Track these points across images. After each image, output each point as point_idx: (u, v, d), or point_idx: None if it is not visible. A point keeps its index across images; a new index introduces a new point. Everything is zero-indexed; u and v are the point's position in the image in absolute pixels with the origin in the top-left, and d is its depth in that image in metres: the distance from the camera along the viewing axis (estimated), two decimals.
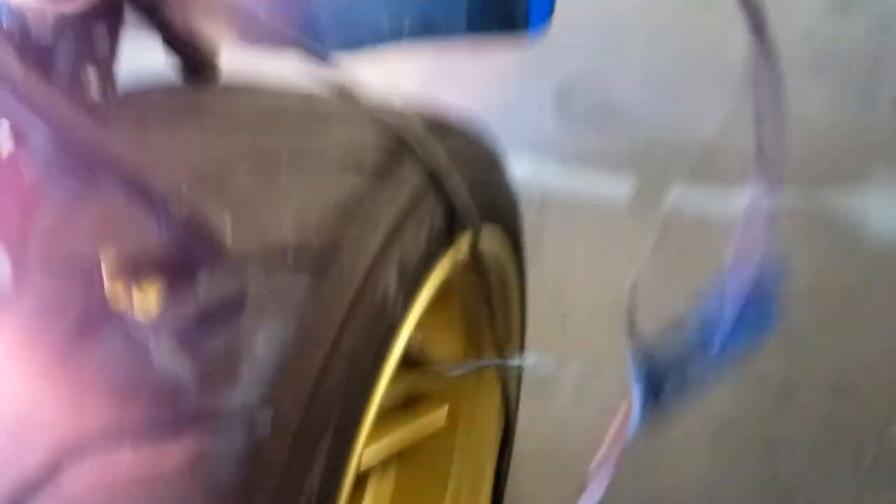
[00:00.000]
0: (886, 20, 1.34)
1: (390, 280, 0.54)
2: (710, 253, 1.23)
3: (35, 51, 0.51)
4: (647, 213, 1.25)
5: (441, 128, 0.72)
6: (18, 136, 0.48)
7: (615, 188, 1.28)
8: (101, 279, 0.47)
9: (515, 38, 0.82)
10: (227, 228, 0.48)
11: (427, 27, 0.79)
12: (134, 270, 0.48)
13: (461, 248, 0.68)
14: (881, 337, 1.10)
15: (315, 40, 0.79)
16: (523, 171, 1.34)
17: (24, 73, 0.40)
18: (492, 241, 0.75)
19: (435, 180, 0.62)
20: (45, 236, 0.49)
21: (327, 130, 0.62)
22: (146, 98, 0.63)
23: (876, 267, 1.15)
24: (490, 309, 0.79)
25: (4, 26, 0.50)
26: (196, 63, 0.68)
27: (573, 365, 1.09)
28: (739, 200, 1.23)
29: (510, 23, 0.80)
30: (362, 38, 0.81)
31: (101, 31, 0.55)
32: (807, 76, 1.31)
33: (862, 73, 1.30)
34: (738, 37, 1.34)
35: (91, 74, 0.53)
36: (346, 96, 0.63)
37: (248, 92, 0.67)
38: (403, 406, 0.83)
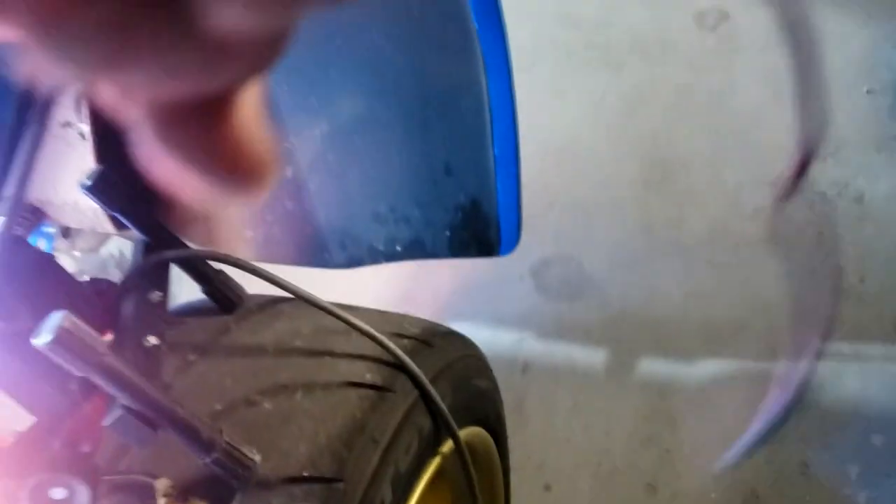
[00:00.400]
0: (833, 199, 1.50)
1: (386, 492, 0.66)
2: (680, 418, 1.35)
3: (105, 313, 0.65)
4: (620, 380, 1.38)
5: (429, 336, 0.85)
6: (93, 388, 0.61)
7: (590, 357, 1.41)
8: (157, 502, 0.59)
9: (489, 256, 0.97)
10: (256, 460, 0.60)
11: (416, 251, 0.94)
12: (183, 494, 0.60)
13: (447, 447, 0.79)
14: None
15: (321, 258, 0.94)
16: (506, 341, 1.47)
17: (104, 346, 0.53)
18: (476, 436, 0.87)
19: (425, 392, 0.75)
20: (113, 467, 0.61)
21: (334, 348, 0.75)
22: (186, 331, 0.76)
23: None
24: (474, 492, 0.90)
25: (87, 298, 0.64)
26: (226, 297, 0.82)
27: None
28: (703, 367, 1.36)
29: (485, 248, 0.94)
30: (362, 257, 0.95)
31: (156, 292, 0.69)
32: (755, 250, 1.46)
33: (807, 249, 1.45)
34: (695, 213, 1.50)
35: (150, 334, 0.66)
36: (346, 312, 0.77)
37: (266, 321, 0.81)
38: None
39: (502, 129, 0.97)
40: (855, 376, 1.29)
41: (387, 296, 1.53)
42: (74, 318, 0.53)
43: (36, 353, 0.52)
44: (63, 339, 0.51)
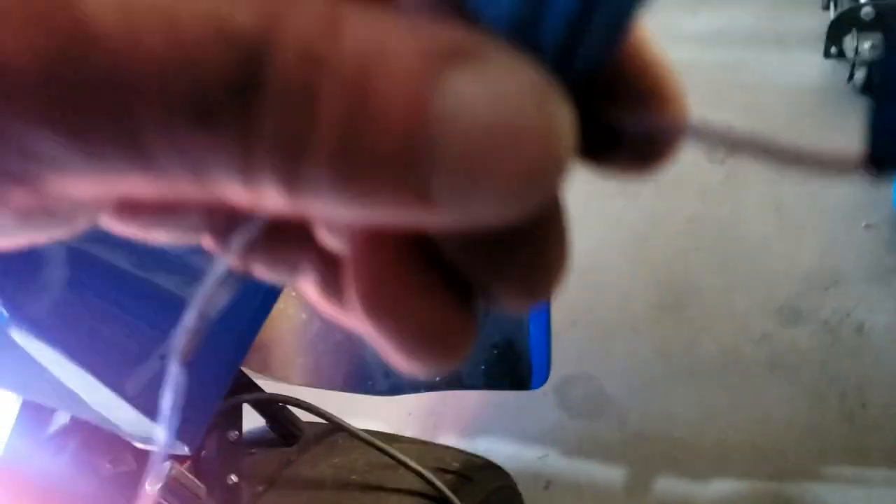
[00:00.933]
0: (834, 329, 1.60)
1: None
2: None
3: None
4: (638, 498, 1.46)
5: (469, 470, 0.96)
6: None
7: (610, 474, 1.49)
8: None
9: (520, 389, 1.08)
10: None
11: (453, 383, 1.05)
12: None
13: None
14: None
15: (366, 386, 1.05)
16: (530, 457, 1.56)
17: (203, 492, 0.64)
18: None
19: None
20: None
21: (385, 483, 0.86)
22: (255, 463, 0.87)
23: None
24: None
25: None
26: (288, 431, 0.93)
27: None
28: (716, 486, 1.44)
29: (517, 382, 1.05)
30: (403, 386, 1.06)
31: (233, 431, 0.80)
32: (763, 375, 1.56)
33: (813, 376, 1.55)
34: (706, 337, 1.60)
35: (231, 472, 0.77)
36: (394, 445, 0.87)
37: (324, 454, 0.91)
38: None
39: None
40: (860, 500, 1.37)
41: (416, 408, 1.62)
42: (179, 466, 0.63)
43: (142, 496, 0.62)
44: (172, 486, 0.62)
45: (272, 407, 0.90)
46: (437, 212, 0.14)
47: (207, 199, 0.15)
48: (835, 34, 1.98)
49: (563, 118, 0.14)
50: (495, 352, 1.08)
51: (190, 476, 0.63)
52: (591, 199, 1.82)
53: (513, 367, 1.06)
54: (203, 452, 0.78)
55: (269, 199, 0.14)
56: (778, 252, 1.74)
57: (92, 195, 0.15)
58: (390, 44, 0.13)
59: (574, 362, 1.65)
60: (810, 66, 2.09)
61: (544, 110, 0.13)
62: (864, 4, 1.90)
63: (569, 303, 1.69)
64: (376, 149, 0.13)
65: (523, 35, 0.14)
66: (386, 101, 0.13)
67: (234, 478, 0.77)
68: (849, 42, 1.94)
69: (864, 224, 1.74)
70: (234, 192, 0.14)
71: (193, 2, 0.13)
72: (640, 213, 1.85)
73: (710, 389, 1.58)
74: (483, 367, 1.07)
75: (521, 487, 1.13)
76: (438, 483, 0.84)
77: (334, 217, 0.15)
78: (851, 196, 1.79)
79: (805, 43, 2.13)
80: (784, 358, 1.58)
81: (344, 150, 0.13)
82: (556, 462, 1.53)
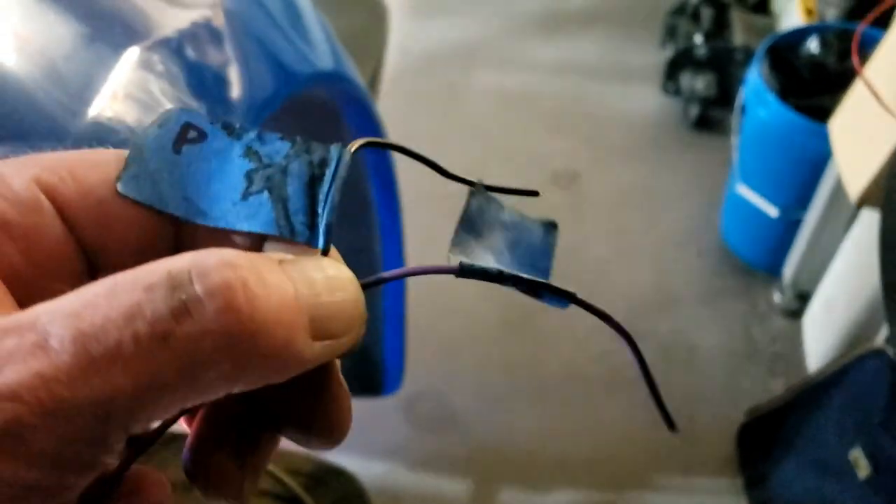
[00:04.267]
0: (668, 348, 1.70)
1: None
2: None
3: None
4: None
5: (322, 473, 0.95)
6: None
7: (456, 487, 1.52)
8: None
9: (374, 396, 1.09)
10: None
11: None
12: None
13: None
14: None
15: None
16: (377, 471, 1.57)
17: None
18: None
19: None
20: None
21: None
22: None
23: None
24: None
25: None
26: None
27: None
28: (556, 497, 1.50)
29: (371, 388, 1.06)
30: None
31: None
32: (602, 391, 1.63)
33: (646, 391, 1.63)
34: (549, 354, 1.65)
35: None
36: None
37: (171, 459, 0.89)
38: None
39: (393, 287, 1.11)
40: None
41: None
42: None
43: None
44: None
45: None
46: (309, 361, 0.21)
47: None
48: (671, 71, 2.12)
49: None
50: (350, 358, 1.09)
51: None
52: (444, 220, 1.85)
53: (368, 374, 1.07)
54: None
55: None
56: (616, 275, 1.84)
57: None
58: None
59: (423, 379, 1.67)
60: (648, 100, 2.23)
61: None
62: (698, 45, 2.05)
63: (418, 321, 1.71)
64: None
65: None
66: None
67: None
68: (684, 79, 2.08)
69: (695, 250, 1.86)
70: None
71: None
72: None
73: (552, 404, 1.64)
74: None
75: None
76: (293, 485, 0.83)
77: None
78: (685, 224, 1.91)
79: (644, 78, 2.27)
80: (621, 375, 1.66)
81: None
82: (403, 476, 1.55)
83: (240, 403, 0.24)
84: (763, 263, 1.76)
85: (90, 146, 0.44)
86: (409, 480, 1.54)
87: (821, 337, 1.50)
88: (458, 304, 1.78)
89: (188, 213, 0.23)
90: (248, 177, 0.23)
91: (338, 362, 0.25)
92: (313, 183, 0.24)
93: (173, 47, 0.52)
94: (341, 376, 0.25)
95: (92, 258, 0.23)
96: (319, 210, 0.23)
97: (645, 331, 1.71)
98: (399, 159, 1.09)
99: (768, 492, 1.37)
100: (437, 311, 1.74)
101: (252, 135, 0.24)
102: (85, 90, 0.41)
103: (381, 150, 0.89)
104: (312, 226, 0.23)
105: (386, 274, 0.25)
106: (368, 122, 0.81)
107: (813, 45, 1.56)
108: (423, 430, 1.61)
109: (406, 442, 1.60)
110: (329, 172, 0.24)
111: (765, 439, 1.42)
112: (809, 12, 1.75)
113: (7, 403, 0.17)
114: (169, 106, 0.53)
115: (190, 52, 0.53)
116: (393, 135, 0.91)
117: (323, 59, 0.65)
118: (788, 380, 1.61)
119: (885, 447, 1.13)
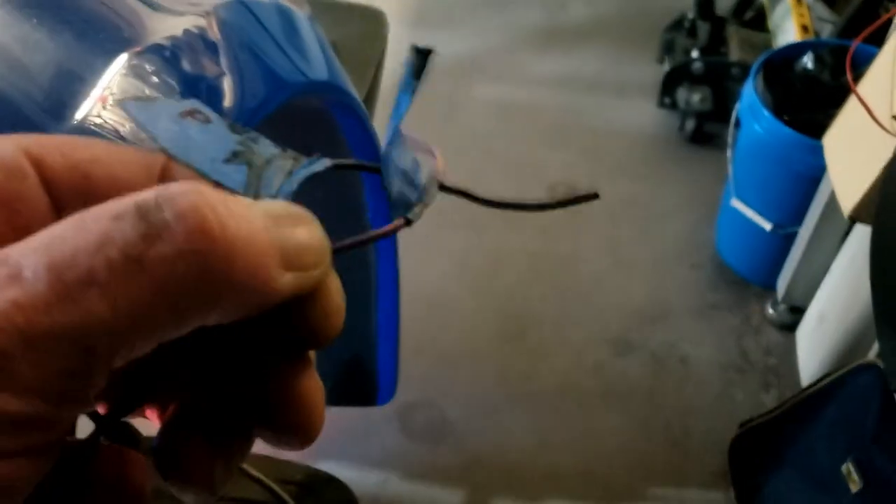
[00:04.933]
0: (661, 360, 1.70)
1: None
2: None
3: None
4: None
5: (312, 481, 0.96)
6: None
7: (449, 498, 1.52)
8: None
9: (367, 405, 1.09)
10: None
11: None
12: None
13: None
14: None
15: None
16: (371, 481, 1.57)
17: None
18: None
19: None
20: None
21: (230, 493, 0.84)
22: None
23: None
24: None
25: None
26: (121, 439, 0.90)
27: None
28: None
29: (364, 398, 1.07)
30: None
31: None
32: (596, 403, 1.64)
33: (641, 404, 1.64)
34: (544, 367, 1.66)
35: None
36: None
37: None
38: None
39: (387, 297, 1.11)
40: None
41: None
42: None
43: None
44: None
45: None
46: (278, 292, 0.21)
47: None
48: (668, 86, 2.13)
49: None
50: (343, 368, 1.09)
51: None
52: (441, 232, 1.86)
53: (361, 384, 1.08)
54: None
55: None
56: (612, 287, 1.84)
57: None
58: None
59: (418, 389, 1.68)
60: (645, 114, 2.24)
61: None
62: (694, 60, 2.06)
63: (414, 332, 1.72)
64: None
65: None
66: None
67: None
68: (680, 94, 2.09)
69: (690, 263, 1.86)
70: None
71: None
72: (486, 246, 1.91)
73: (546, 416, 1.64)
74: (330, 383, 1.08)
75: None
76: (282, 493, 0.84)
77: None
78: (679, 237, 1.92)
79: (641, 92, 2.28)
80: (615, 387, 1.66)
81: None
82: (397, 486, 1.55)
83: (212, 400, 0.24)
84: (757, 277, 1.76)
85: None
86: (402, 490, 1.54)
87: (814, 350, 1.51)
88: (454, 315, 1.79)
89: (176, 152, 0.24)
90: (234, 153, 0.25)
91: (312, 355, 0.25)
92: (290, 174, 0.25)
93: (166, 56, 0.52)
94: (314, 370, 0.25)
95: None
96: (289, 189, 0.25)
97: (639, 343, 1.72)
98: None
99: None
100: (432, 322, 1.74)
101: (251, 133, 0.26)
102: (69, 94, 0.41)
103: (374, 153, 0.90)
104: (278, 194, 0.25)
105: (348, 240, 0.26)
106: (363, 132, 0.82)
107: (808, 61, 1.57)
108: (416, 441, 1.61)
109: (399, 452, 1.60)
110: (306, 162, 0.26)
111: (757, 452, 1.42)
112: (805, 29, 1.76)
113: None
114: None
115: (184, 61, 0.54)
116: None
117: (317, 69, 0.66)
118: (781, 393, 1.61)
119: (877, 461, 1.13)
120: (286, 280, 0.21)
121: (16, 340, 0.17)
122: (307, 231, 0.22)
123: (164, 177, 0.24)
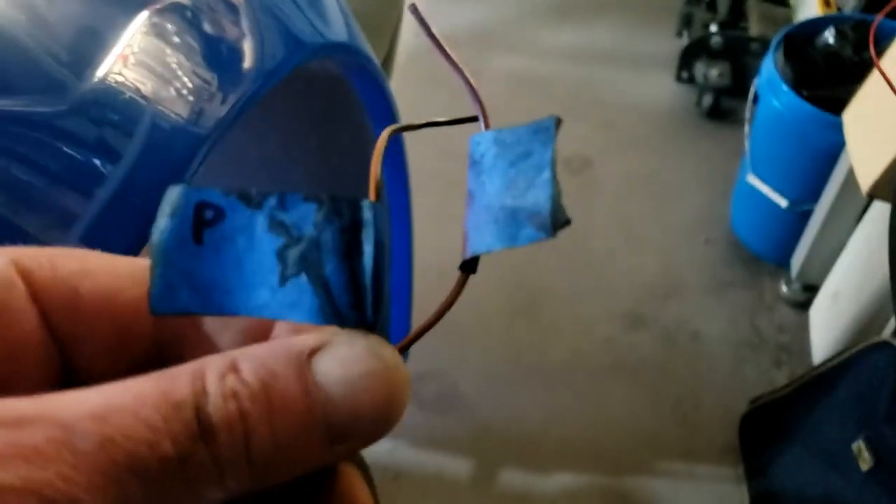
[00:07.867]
0: (673, 336, 1.70)
1: None
2: None
3: None
4: (483, 490, 1.50)
5: None
6: None
7: (458, 467, 1.53)
8: None
9: None
10: None
11: None
12: None
13: None
14: None
15: None
16: (381, 448, 1.58)
17: None
18: None
19: None
20: None
21: None
22: None
23: None
24: None
25: None
26: None
27: None
28: (557, 480, 1.50)
29: None
30: None
31: None
32: (606, 377, 1.64)
33: (651, 379, 1.64)
34: (555, 340, 1.66)
35: None
36: None
37: None
38: None
39: (401, 266, 1.11)
40: (688, 494, 1.47)
41: None
42: None
43: None
44: None
45: None
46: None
47: None
48: (686, 60, 2.11)
49: (397, 362, 0.21)
50: None
51: None
52: (454, 202, 1.86)
53: None
54: None
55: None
56: (624, 262, 1.84)
57: None
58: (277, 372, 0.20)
59: (429, 360, 1.68)
60: (662, 88, 2.22)
61: (381, 362, 0.21)
62: (713, 34, 2.04)
63: (427, 304, 1.72)
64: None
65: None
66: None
67: None
68: (698, 68, 2.07)
69: (703, 239, 1.86)
70: None
71: None
72: None
73: (556, 389, 1.64)
74: None
75: None
76: None
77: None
78: (693, 213, 1.91)
79: (658, 66, 2.26)
80: (626, 361, 1.66)
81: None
82: (406, 454, 1.56)
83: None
84: (771, 254, 1.75)
85: (94, 107, 0.44)
86: (411, 458, 1.55)
87: (827, 329, 1.50)
88: (466, 288, 1.78)
89: (229, 307, 0.21)
90: (281, 256, 0.21)
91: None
92: (350, 253, 0.22)
93: (187, 16, 0.52)
94: (357, 477, 0.24)
95: (62, 345, 0.23)
96: (362, 283, 0.22)
97: (650, 318, 1.71)
98: (408, 140, 1.09)
99: (769, 481, 1.38)
100: (443, 293, 1.73)
101: (273, 201, 0.22)
102: (90, 50, 0.41)
103: (393, 117, 0.89)
104: (358, 304, 0.22)
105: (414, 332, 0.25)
106: (380, 97, 0.81)
107: (829, 35, 1.55)
108: (427, 410, 1.62)
109: (410, 421, 1.61)
110: (366, 237, 0.22)
111: (767, 429, 1.42)
112: (827, 3, 1.73)
113: (30, 498, 0.17)
114: (185, 80, 0.53)
115: (205, 22, 0.53)
116: (404, 114, 0.91)
117: (336, 30, 0.66)
118: (793, 370, 1.61)
119: (889, 439, 1.13)
120: (334, 453, 0.20)
121: None
122: (371, 397, 0.21)
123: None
